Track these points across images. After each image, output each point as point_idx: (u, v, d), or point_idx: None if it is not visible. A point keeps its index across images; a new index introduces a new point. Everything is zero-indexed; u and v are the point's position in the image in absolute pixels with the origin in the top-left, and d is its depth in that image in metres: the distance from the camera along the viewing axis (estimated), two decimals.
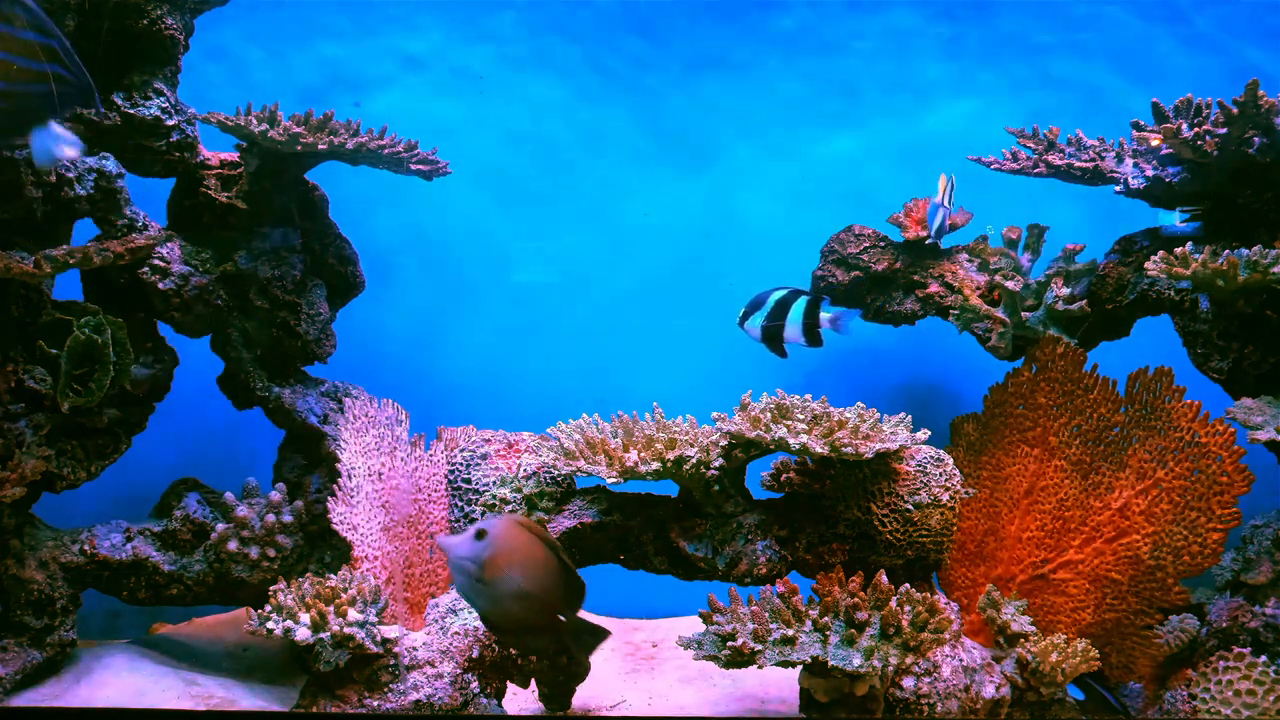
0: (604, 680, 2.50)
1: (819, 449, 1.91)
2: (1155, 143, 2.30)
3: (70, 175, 2.19)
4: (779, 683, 2.39)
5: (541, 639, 1.75)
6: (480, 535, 1.62)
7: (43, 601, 2.22)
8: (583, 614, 2.44)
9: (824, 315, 1.64)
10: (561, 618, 1.68)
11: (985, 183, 2.68)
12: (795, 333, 1.66)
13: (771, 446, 2.00)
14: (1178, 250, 2.13)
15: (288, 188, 2.50)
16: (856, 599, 1.79)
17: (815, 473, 2.22)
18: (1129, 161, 2.44)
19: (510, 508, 2.04)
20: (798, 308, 1.65)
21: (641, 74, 3.20)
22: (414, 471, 2.58)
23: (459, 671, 1.99)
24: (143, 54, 2.31)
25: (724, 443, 2.03)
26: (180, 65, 2.38)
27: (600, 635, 1.75)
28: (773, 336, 1.68)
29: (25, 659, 2.18)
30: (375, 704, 1.93)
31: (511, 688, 2.21)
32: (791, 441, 1.93)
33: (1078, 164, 2.52)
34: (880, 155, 3.13)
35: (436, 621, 2.04)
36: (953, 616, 1.86)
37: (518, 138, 3.18)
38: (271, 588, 1.97)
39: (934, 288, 2.67)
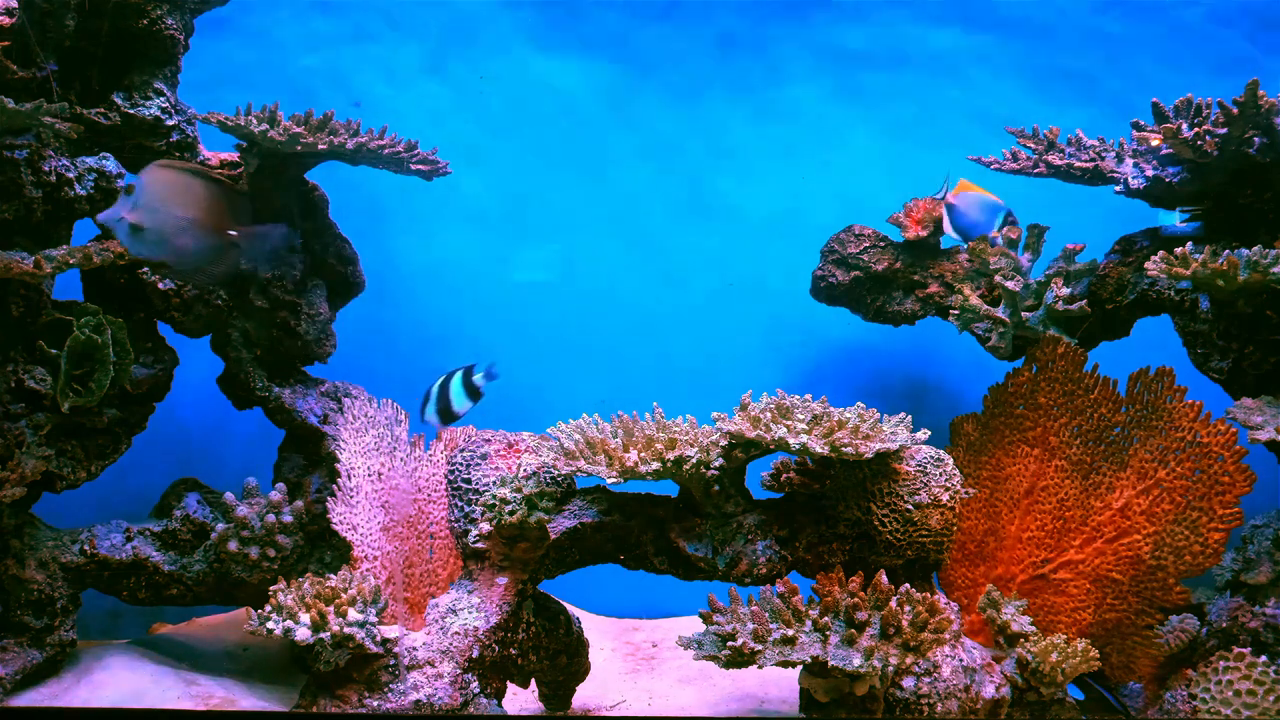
0: (604, 680, 2.50)
1: (819, 449, 1.91)
2: (1155, 143, 2.30)
3: (70, 175, 2.19)
4: (779, 683, 2.39)
5: (223, 261, 1.84)
6: (129, 190, 1.69)
7: (43, 601, 2.22)
8: (582, 614, 2.44)
9: (476, 378, 1.98)
10: (233, 232, 1.76)
11: (985, 183, 2.67)
12: (462, 403, 2.00)
13: (771, 446, 2.00)
14: (1178, 250, 2.13)
15: (288, 188, 2.50)
16: (856, 599, 1.79)
17: (815, 473, 2.22)
18: (1129, 161, 2.44)
19: (510, 508, 2.04)
20: (456, 383, 1.98)
21: (644, 72, 3.20)
22: (414, 471, 2.58)
23: (459, 671, 1.99)
24: (143, 54, 2.31)
25: (724, 443, 2.03)
26: (180, 65, 2.38)
27: (278, 231, 1.84)
28: (448, 414, 2.01)
29: (25, 659, 2.18)
30: (375, 704, 1.93)
31: (511, 688, 2.21)
32: (791, 441, 1.93)
33: (1078, 164, 2.52)
34: (882, 154, 3.13)
35: (436, 621, 2.04)
36: (953, 616, 1.86)
37: (518, 136, 3.18)
38: (271, 588, 1.97)
39: (934, 288, 2.67)
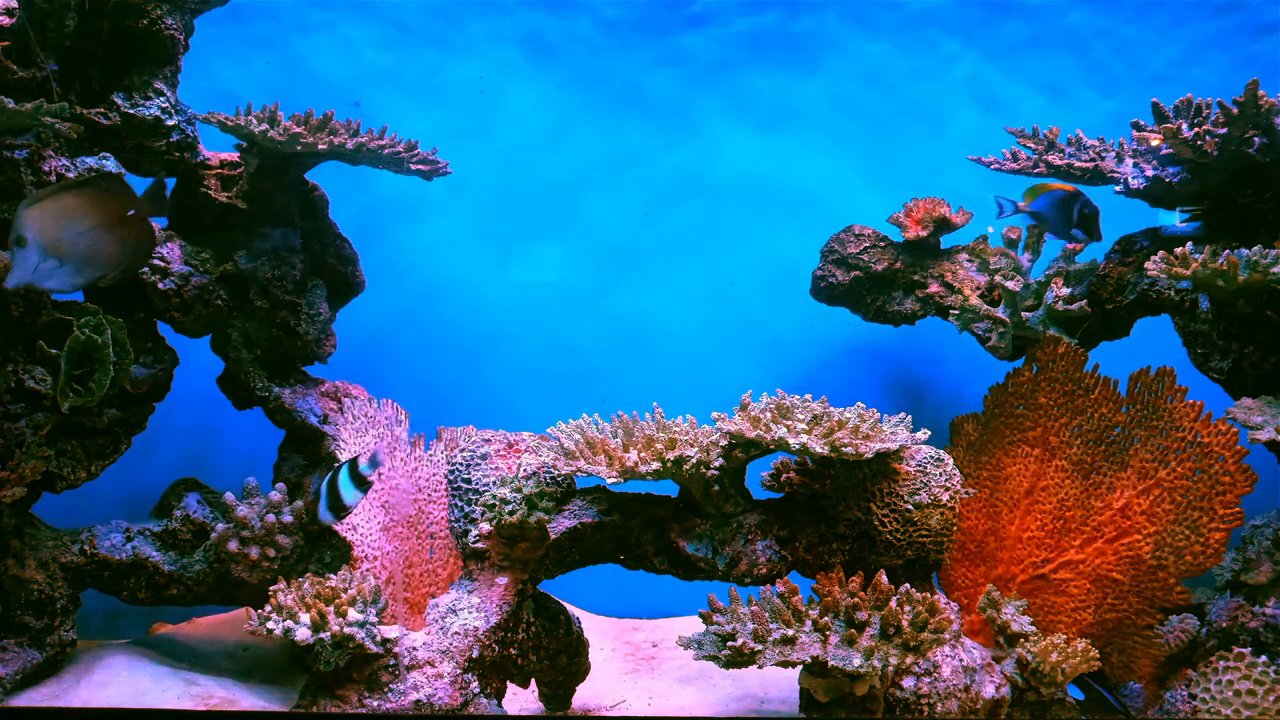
0: (604, 680, 2.50)
1: (819, 449, 1.91)
2: (1155, 143, 2.30)
3: (70, 175, 2.18)
4: (779, 683, 2.39)
5: (142, 238, 1.95)
6: (20, 242, 1.73)
7: (43, 601, 2.22)
8: (582, 614, 2.45)
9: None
10: (131, 211, 1.84)
11: (985, 182, 2.68)
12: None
13: (771, 446, 2.00)
14: (1178, 250, 2.13)
15: (288, 188, 2.50)
16: (856, 599, 1.79)
17: (815, 473, 2.22)
18: (1129, 161, 2.44)
19: (510, 508, 2.04)
20: (344, 477, 1.95)
21: (645, 72, 3.20)
22: (414, 471, 2.58)
23: (459, 671, 1.99)
24: (143, 54, 2.31)
25: (724, 443, 2.03)
26: (180, 65, 2.38)
27: (156, 182, 1.90)
28: (339, 509, 1.97)
29: (25, 659, 2.18)
30: (375, 704, 1.93)
31: (511, 688, 2.21)
32: (791, 441, 1.93)
33: (1078, 164, 2.52)
34: (883, 154, 3.13)
35: (436, 621, 2.04)
36: (953, 616, 1.86)
37: (518, 136, 3.18)
38: (271, 588, 1.97)
39: (934, 288, 2.67)
